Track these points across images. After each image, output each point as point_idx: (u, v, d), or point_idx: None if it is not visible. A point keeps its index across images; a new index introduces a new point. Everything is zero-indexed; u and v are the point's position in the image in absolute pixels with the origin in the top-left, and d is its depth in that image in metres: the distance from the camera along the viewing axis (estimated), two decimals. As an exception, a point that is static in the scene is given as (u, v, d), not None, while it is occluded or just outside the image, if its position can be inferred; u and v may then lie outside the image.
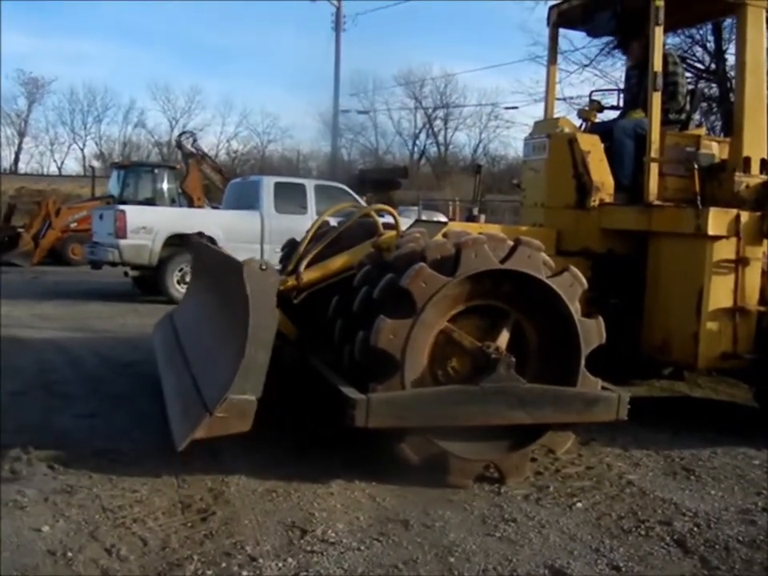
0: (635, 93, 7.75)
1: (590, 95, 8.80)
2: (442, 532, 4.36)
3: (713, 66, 22.03)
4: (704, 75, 22.34)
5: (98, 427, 6.06)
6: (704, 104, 19.33)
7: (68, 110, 71.18)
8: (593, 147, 7.11)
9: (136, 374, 7.98)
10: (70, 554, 3.89)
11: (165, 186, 22.85)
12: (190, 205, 21.90)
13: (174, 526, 4.26)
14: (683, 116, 7.59)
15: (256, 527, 4.30)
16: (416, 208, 25.72)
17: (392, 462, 5.01)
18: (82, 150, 72.19)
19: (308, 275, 5.90)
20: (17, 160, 66.93)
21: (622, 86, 9.19)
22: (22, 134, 67.46)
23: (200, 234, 12.98)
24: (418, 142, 69.16)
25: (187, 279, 12.70)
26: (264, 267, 4.84)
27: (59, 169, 69.42)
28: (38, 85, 65.19)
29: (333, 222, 7.20)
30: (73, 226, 23.44)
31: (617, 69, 21.28)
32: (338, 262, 5.93)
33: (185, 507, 4.52)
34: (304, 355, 5.83)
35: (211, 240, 13.93)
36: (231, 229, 15.25)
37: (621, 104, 8.29)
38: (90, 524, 4.24)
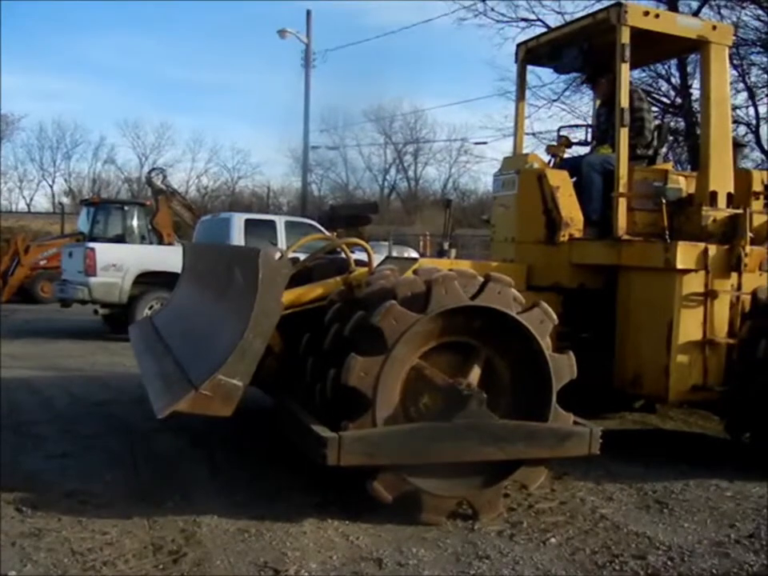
0: (603, 129, 7.84)
1: (559, 131, 8.88)
2: (416, 570, 4.33)
3: (678, 100, 22.28)
4: (670, 110, 22.60)
5: (69, 468, 5.98)
6: (670, 137, 19.54)
7: (37, 146, 70.96)
8: (562, 183, 7.16)
9: (107, 414, 7.90)
10: (38, 600, 3.84)
11: (135, 222, 22.65)
12: (160, 242, 21.76)
13: (145, 569, 4.21)
14: (650, 151, 7.67)
15: (228, 568, 4.26)
16: (387, 243, 25.74)
17: (365, 499, 4.98)
18: (51, 186, 71.90)
19: None
20: (-16, 197, 66.36)
21: (590, 120, 9.30)
22: (-11, 171, 66.92)
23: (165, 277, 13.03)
24: (388, 177, 69.56)
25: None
26: (280, 257, 4.87)
27: (28, 206, 68.97)
28: (7, 122, 64.78)
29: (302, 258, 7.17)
30: (42, 263, 23.32)
31: (584, 104, 21.55)
32: (307, 292, 5.88)
33: (156, 549, 4.47)
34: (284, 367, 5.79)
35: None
36: (202, 266, 15.16)
37: (589, 139, 8.37)
38: (59, 568, 4.18)
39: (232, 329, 4.91)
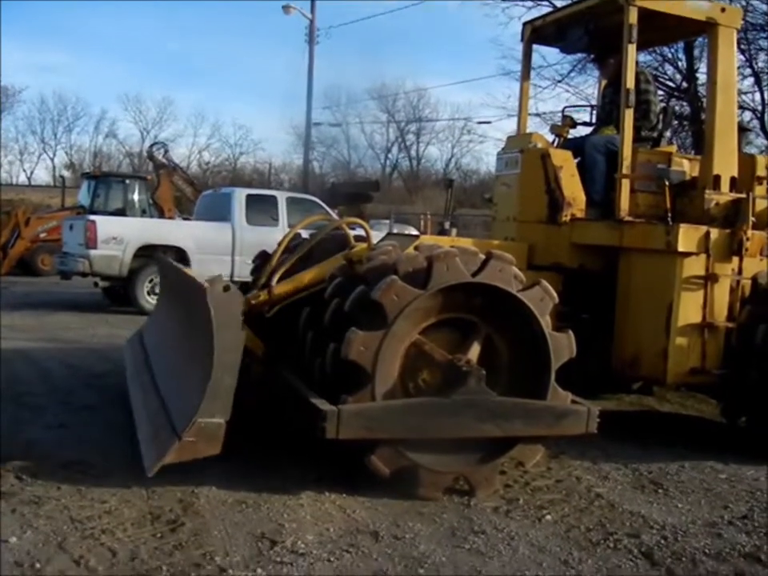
0: (608, 110, 7.82)
1: (563, 111, 8.87)
2: (412, 544, 4.36)
3: (684, 84, 22.21)
4: (675, 93, 22.53)
5: (68, 438, 6.01)
6: (675, 121, 19.49)
7: (38, 119, 70.85)
8: (565, 163, 7.15)
9: (106, 386, 7.92)
10: (37, 566, 3.85)
11: (136, 196, 22.71)
12: (161, 216, 21.82)
13: (144, 537, 4.23)
14: (655, 133, 7.65)
15: (225, 538, 4.28)
16: (388, 221, 25.71)
17: (363, 473, 5.01)
18: (52, 159, 71.90)
19: (280, 288, 5.88)
20: (-16, 170, 66.22)
21: (594, 101, 9.28)
22: (-10, 144, 66.74)
23: (164, 251, 13.03)
24: (390, 156, 69.37)
25: (157, 290, 12.67)
26: (227, 288, 4.77)
27: (29, 179, 69.00)
28: (7, 94, 64.57)
29: (305, 234, 7.17)
30: (42, 236, 23.27)
31: (589, 85, 21.48)
32: (309, 274, 5.91)
33: (154, 518, 4.50)
34: (274, 369, 5.81)
35: (180, 252, 14.09)
36: (203, 240, 15.23)
37: (594, 120, 8.36)
38: (59, 535, 4.21)
39: (200, 366, 4.87)
